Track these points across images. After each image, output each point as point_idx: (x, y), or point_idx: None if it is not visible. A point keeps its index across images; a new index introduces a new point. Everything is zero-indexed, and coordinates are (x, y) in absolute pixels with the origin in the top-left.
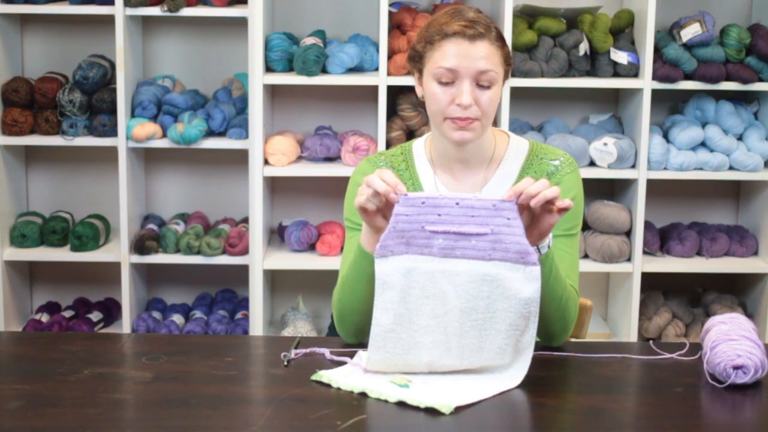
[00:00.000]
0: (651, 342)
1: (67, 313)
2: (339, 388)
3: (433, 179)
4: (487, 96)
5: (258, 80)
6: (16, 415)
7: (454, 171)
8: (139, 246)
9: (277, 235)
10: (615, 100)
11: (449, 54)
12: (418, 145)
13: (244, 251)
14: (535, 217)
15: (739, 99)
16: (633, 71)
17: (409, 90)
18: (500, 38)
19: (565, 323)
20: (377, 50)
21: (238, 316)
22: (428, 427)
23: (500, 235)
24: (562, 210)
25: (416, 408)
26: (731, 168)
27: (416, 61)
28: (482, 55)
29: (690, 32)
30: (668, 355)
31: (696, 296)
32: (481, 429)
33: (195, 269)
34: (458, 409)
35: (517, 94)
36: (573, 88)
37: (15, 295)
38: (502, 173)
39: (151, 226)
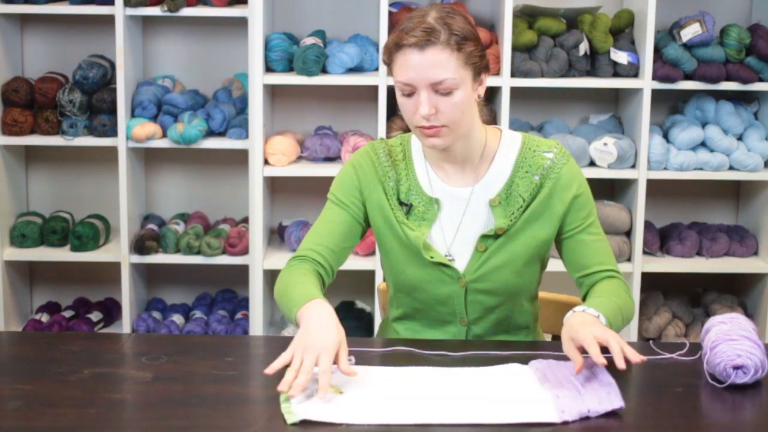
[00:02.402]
0: (651, 342)
1: (67, 313)
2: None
3: (427, 173)
4: (449, 103)
5: (258, 80)
6: (16, 415)
7: (446, 168)
8: (139, 246)
9: (277, 235)
10: (615, 100)
11: (404, 67)
12: (416, 138)
13: (244, 251)
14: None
15: (739, 99)
16: (633, 71)
17: None
18: (459, 40)
19: (630, 316)
20: (377, 50)
21: (238, 316)
22: (419, 428)
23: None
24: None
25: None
26: (731, 168)
27: (389, 70)
28: (433, 63)
29: (690, 32)
30: (668, 355)
31: (696, 296)
32: (481, 428)
33: (195, 269)
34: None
35: (517, 94)
36: (573, 88)
37: (15, 295)
38: (495, 169)
39: (151, 226)
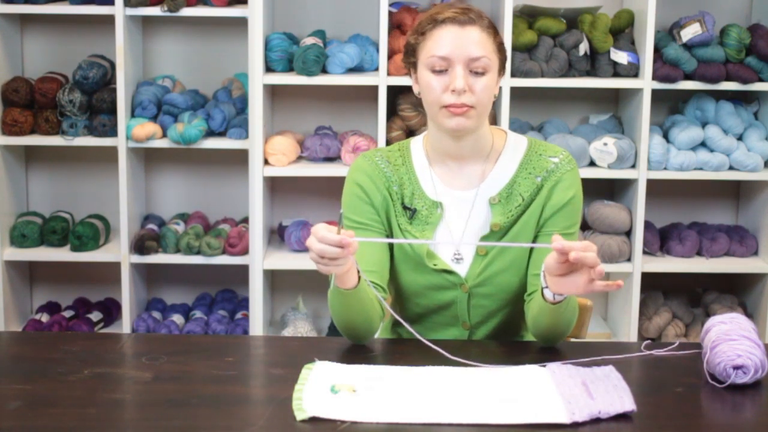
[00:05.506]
0: (651, 342)
1: (67, 313)
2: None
3: (429, 173)
4: (482, 83)
5: (258, 80)
6: (16, 415)
7: (451, 166)
8: (139, 246)
9: (277, 235)
10: (615, 100)
11: (441, 42)
12: (416, 141)
13: (244, 251)
14: (570, 272)
15: (739, 99)
16: (633, 71)
17: (409, 90)
18: (493, 28)
19: (566, 332)
20: (377, 50)
21: (238, 316)
22: (427, 428)
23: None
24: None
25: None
26: (731, 168)
27: (410, 55)
28: (474, 40)
29: (690, 32)
30: (668, 355)
31: (696, 296)
32: (490, 429)
33: (195, 269)
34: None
35: (517, 94)
36: (573, 88)
37: (15, 295)
38: (500, 168)
39: (151, 226)
